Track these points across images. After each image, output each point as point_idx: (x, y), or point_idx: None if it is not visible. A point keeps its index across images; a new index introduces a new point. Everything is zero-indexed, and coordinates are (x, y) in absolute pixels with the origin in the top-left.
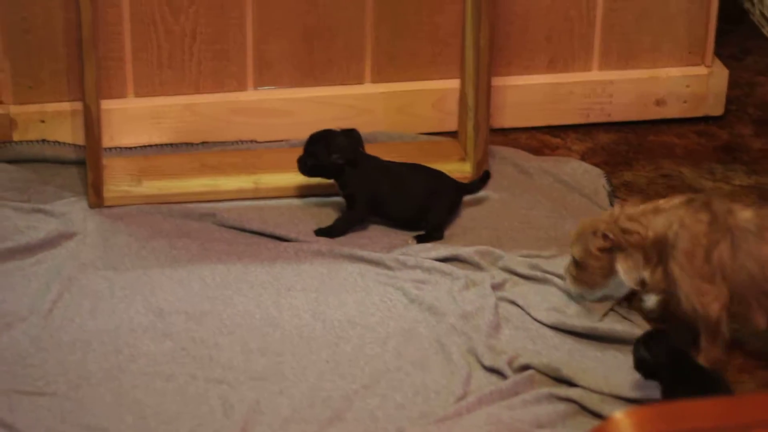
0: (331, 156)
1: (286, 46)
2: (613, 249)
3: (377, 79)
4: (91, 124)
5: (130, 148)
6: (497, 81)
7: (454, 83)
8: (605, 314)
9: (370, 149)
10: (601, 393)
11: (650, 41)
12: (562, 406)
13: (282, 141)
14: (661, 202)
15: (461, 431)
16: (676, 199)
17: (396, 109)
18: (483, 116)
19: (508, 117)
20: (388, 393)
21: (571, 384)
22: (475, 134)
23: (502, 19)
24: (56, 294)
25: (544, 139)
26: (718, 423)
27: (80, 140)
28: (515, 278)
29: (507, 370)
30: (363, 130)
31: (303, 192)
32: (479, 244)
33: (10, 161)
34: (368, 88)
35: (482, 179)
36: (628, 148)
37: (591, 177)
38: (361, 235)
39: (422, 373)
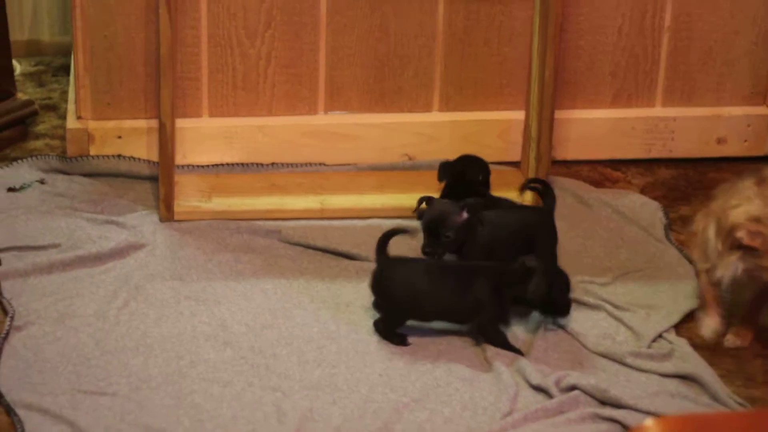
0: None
1: (357, 72)
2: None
3: (445, 107)
4: (165, 140)
5: (202, 166)
6: (562, 114)
7: (519, 114)
8: (654, 340)
9: (435, 177)
10: (647, 412)
11: (713, 80)
12: (604, 426)
13: (349, 165)
14: None
15: None
16: None
17: (462, 137)
18: (545, 147)
19: (572, 149)
20: (437, 407)
21: (615, 406)
22: (536, 164)
23: (569, 54)
24: (123, 301)
25: (605, 173)
26: None
27: (154, 157)
28: None
29: (554, 390)
30: (429, 157)
31: (367, 214)
32: None
33: (86, 174)
34: (436, 117)
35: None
36: (687, 184)
37: (649, 210)
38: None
39: (471, 389)
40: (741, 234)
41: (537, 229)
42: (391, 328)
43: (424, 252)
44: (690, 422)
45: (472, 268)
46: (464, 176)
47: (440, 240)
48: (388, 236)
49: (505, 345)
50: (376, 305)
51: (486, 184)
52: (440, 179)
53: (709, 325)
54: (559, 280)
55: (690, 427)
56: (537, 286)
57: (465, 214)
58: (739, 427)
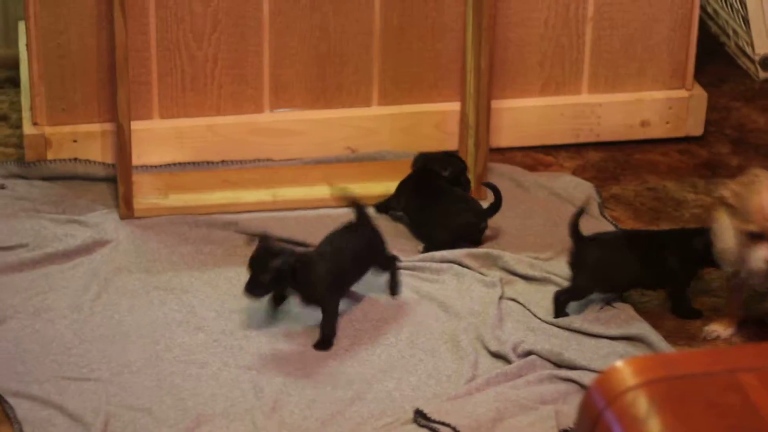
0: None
1: (300, 71)
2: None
3: (384, 102)
4: (124, 141)
5: (156, 166)
6: (494, 104)
7: (454, 105)
8: (601, 308)
9: (377, 167)
10: (601, 372)
11: (635, 67)
12: (563, 386)
13: (296, 159)
14: None
15: (472, 408)
16: None
17: (401, 129)
18: (483, 134)
19: (505, 137)
20: (404, 377)
21: (570, 368)
22: (475, 151)
23: (499, 46)
24: (94, 294)
25: (538, 158)
26: (708, 369)
27: (109, 159)
28: (514, 278)
29: (511, 356)
30: (370, 149)
31: (317, 204)
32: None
33: (45, 178)
34: (375, 111)
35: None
36: (615, 165)
37: (583, 190)
38: None
39: (433, 359)
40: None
41: (372, 241)
42: (576, 299)
43: (245, 290)
44: (657, 361)
45: (662, 236)
46: (429, 169)
47: (260, 280)
48: (577, 216)
49: (689, 311)
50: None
51: (455, 180)
52: (411, 167)
53: (716, 330)
54: None
55: (658, 365)
56: None
57: (284, 259)
58: (703, 363)
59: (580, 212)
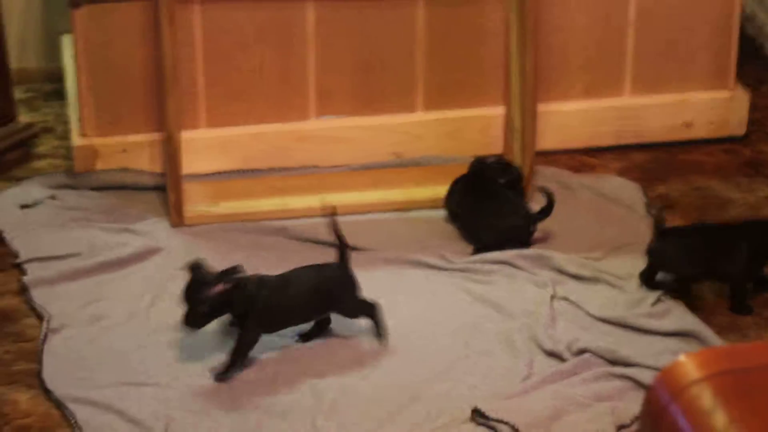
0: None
1: (345, 78)
2: None
3: (428, 107)
4: (173, 150)
5: (204, 175)
6: (538, 107)
7: (498, 110)
8: (653, 304)
9: (423, 172)
10: (655, 369)
11: (677, 68)
12: (619, 383)
13: (342, 166)
14: None
15: (530, 405)
16: None
17: (446, 134)
18: (529, 137)
19: (549, 140)
20: (460, 377)
21: (625, 365)
22: (522, 154)
23: (542, 50)
24: (149, 301)
25: (582, 160)
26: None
27: (158, 168)
28: (566, 277)
29: (566, 354)
30: (416, 154)
31: (365, 209)
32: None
33: (94, 188)
34: (420, 116)
35: (547, 209)
36: (660, 166)
37: (629, 190)
38: (424, 246)
39: (489, 359)
40: None
41: (333, 283)
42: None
43: (183, 324)
44: (721, 354)
45: (736, 228)
46: (483, 174)
47: (197, 311)
48: (661, 210)
49: (742, 306)
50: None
51: (510, 188)
52: (468, 169)
53: None
54: None
55: (722, 358)
56: None
57: (221, 286)
58: (765, 354)
59: (663, 208)
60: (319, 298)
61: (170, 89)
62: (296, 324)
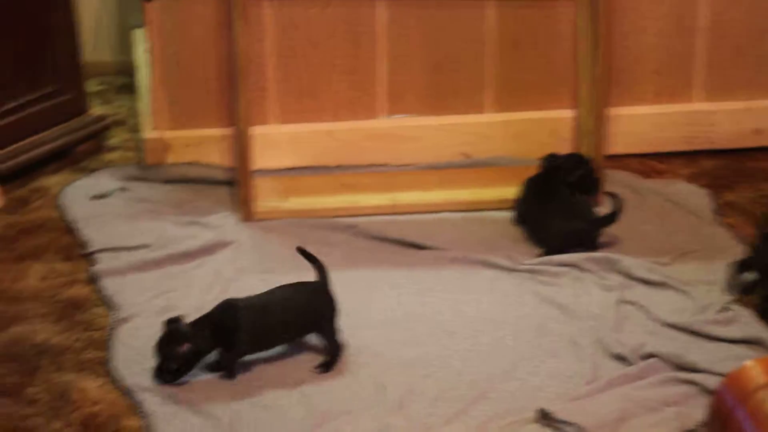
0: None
1: (415, 77)
2: None
3: (498, 108)
4: (244, 145)
5: (273, 170)
6: (609, 110)
7: (567, 113)
8: (720, 311)
9: (492, 172)
10: (722, 375)
11: (747, 75)
12: (685, 388)
13: (411, 164)
14: None
15: (597, 408)
16: None
17: (515, 136)
18: (599, 140)
19: (619, 144)
20: (526, 377)
21: (691, 370)
22: (591, 157)
23: (614, 54)
24: (217, 293)
25: (651, 165)
26: None
27: (228, 163)
28: (633, 281)
29: (632, 358)
30: (484, 155)
31: (435, 208)
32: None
33: (164, 181)
34: (490, 117)
35: (613, 214)
36: (729, 172)
37: (697, 197)
38: (491, 246)
39: (555, 360)
40: None
41: (317, 302)
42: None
43: (153, 377)
44: None
45: None
46: (555, 170)
47: (168, 367)
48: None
49: None
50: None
51: (583, 183)
52: (539, 167)
53: None
54: None
55: None
56: None
57: (186, 346)
58: None
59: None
60: (302, 321)
61: (241, 85)
62: (282, 343)
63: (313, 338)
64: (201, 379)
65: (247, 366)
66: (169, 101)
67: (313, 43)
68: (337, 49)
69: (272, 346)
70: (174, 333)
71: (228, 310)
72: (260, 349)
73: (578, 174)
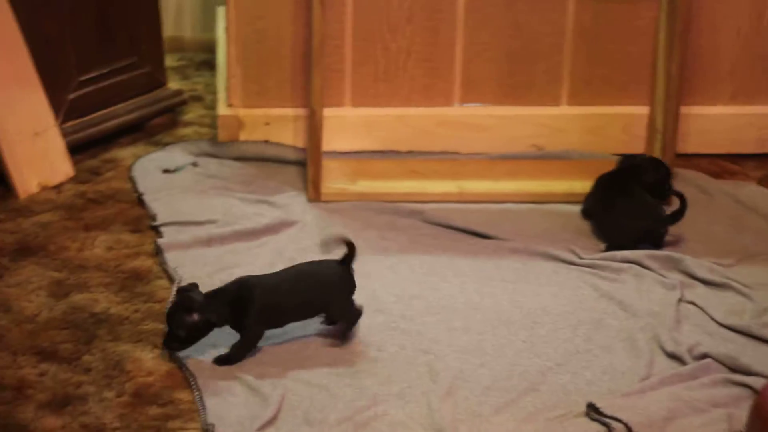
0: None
1: (491, 66)
2: None
3: (572, 101)
4: (315, 126)
5: (344, 153)
6: (683, 110)
7: (642, 109)
8: None
9: (563, 166)
10: None
11: None
12: (737, 390)
13: (482, 154)
14: None
15: (645, 405)
16: None
17: (588, 130)
18: (671, 138)
19: (691, 143)
20: (579, 371)
21: (746, 373)
22: (662, 155)
23: (690, 52)
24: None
25: (723, 165)
26: None
27: (300, 143)
28: (694, 281)
29: (687, 358)
30: (556, 148)
31: (502, 198)
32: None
33: (235, 158)
34: (564, 110)
35: (679, 212)
36: None
37: (767, 199)
38: (554, 239)
39: (609, 356)
40: None
41: (332, 281)
42: None
43: (163, 345)
44: None
45: None
46: (630, 170)
47: (177, 335)
48: None
49: None
50: None
51: (658, 187)
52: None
53: None
54: None
55: None
56: None
57: (195, 316)
58: None
59: None
60: (316, 295)
61: (316, 65)
62: (295, 321)
63: (366, 320)
64: (253, 356)
65: (301, 345)
66: (244, 79)
67: (391, 27)
68: (415, 35)
69: (283, 324)
70: (185, 301)
71: (244, 286)
72: (270, 327)
73: (655, 177)
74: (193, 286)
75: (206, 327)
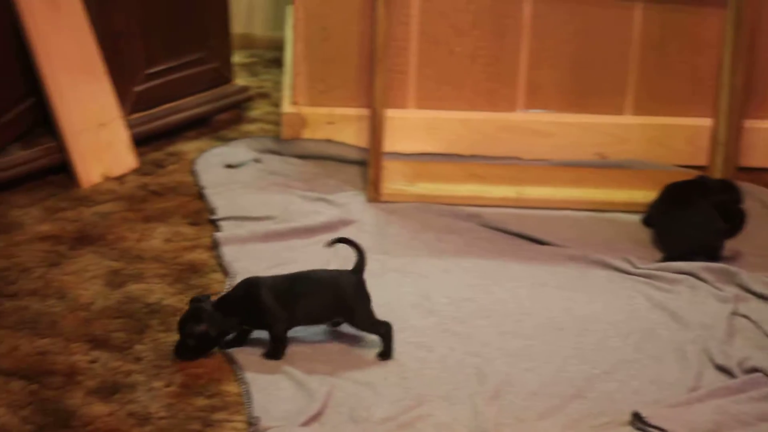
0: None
1: (556, 73)
2: None
3: (637, 111)
4: (377, 126)
5: (406, 154)
6: (749, 123)
7: (706, 121)
8: None
9: (625, 175)
10: None
11: None
12: None
13: (543, 160)
14: None
15: (691, 417)
16: None
17: (651, 140)
18: (732, 151)
19: (757, 157)
20: (626, 380)
21: None
22: (723, 167)
23: (758, 65)
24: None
25: None
26: None
27: (362, 143)
28: (749, 295)
29: (736, 371)
30: (619, 156)
31: (561, 205)
32: None
33: (298, 156)
34: (628, 119)
35: (736, 226)
36: None
37: None
38: (611, 248)
39: (658, 366)
40: None
41: (343, 290)
42: None
43: (174, 353)
44: None
45: None
46: (702, 186)
47: (187, 344)
48: None
49: None
50: None
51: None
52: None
53: None
54: None
55: None
56: None
57: (204, 326)
58: None
59: None
60: (328, 303)
61: (379, 66)
62: (307, 324)
63: (417, 321)
64: (300, 350)
65: (349, 344)
66: (310, 77)
67: (457, 31)
68: (480, 40)
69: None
70: (195, 312)
71: (250, 288)
72: (293, 325)
73: (723, 198)
74: (203, 298)
75: (216, 337)
